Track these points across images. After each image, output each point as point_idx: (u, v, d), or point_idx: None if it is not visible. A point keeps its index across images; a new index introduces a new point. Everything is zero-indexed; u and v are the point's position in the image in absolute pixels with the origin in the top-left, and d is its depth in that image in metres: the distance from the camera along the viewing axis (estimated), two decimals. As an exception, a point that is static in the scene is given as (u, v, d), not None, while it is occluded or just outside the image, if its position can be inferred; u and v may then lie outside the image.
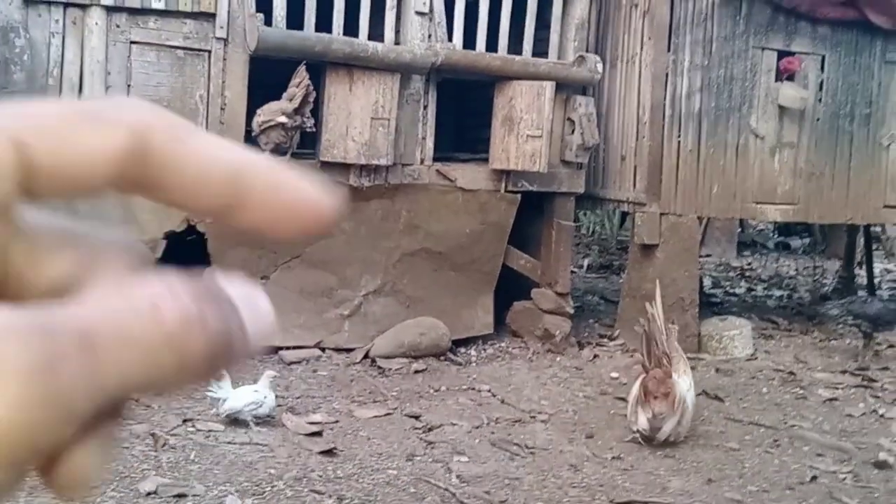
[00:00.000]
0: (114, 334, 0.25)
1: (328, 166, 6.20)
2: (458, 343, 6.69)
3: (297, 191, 0.29)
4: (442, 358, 6.43)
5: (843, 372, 6.69)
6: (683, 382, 4.93)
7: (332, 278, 6.43)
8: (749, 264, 11.79)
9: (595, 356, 6.79)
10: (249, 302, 0.28)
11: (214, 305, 0.27)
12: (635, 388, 5.01)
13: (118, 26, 5.67)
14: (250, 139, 6.02)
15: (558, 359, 6.67)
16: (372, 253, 6.49)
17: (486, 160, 6.77)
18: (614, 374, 6.34)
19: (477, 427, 5.10)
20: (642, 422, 4.85)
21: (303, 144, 6.31)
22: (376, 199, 6.44)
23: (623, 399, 5.75)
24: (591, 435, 5.09)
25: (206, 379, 0.27)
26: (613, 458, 4.76)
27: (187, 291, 0.26)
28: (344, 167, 6.22)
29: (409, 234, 6.59)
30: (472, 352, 6.73)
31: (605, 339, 7.22)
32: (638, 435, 4.95)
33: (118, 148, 0.27)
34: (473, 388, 5.83)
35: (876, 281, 9.79)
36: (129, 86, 5.73)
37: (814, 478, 4.62)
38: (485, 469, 4.49)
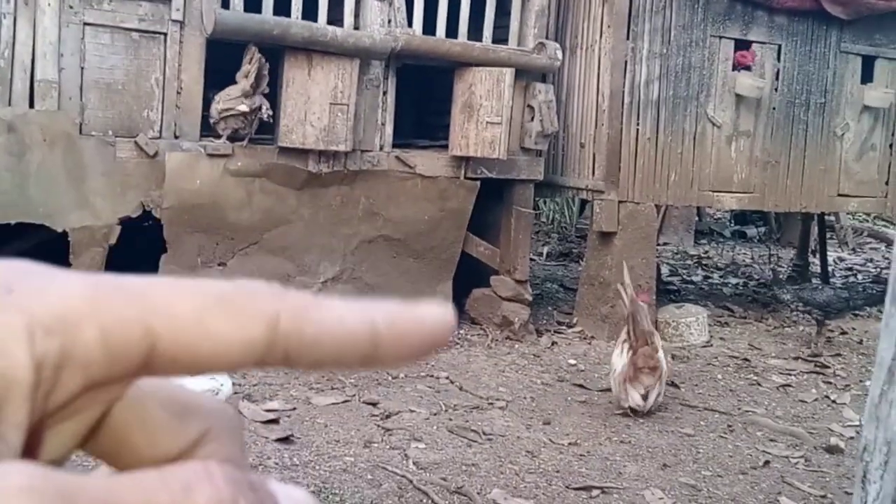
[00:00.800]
0: None
1: (286, 152, 6.15)
2: (416, 330, 6.66)
3: (419, 317, 0.30)
4: (400, 345, 6.41)
5: (797, 358, 6.79)
6: (663, 356, 5.26)
7: (290, 265, 6.38)
8: (706, 252, 11.91)
9: (553, 343, 6.82)
10: None
11: (253, 497, 0.26)
12: (621, 366, 5.19)
13: (71, 7, 5.56)
14: (207, 124, 5.96)
15: (517, 346, 6.69)
16: (330, 240, 6.46)
17: (445, 147, 6.75)
18: (572, 361, 6.38)
19: (435, 414, 5.10)
20: (636, 398, 5.14)
21: (261, 130, 6.26)
22: (335, 186, 6.40)
23: (581, 386, 5.80)
24: (548, 421, 5.12)
25: None
26: (570, 444, 4.79)
27: (227, 478, 0.26)
28: (302, 153, 6.17)
29: (367, 221, 6.56)
30: (431, 339, 6.72)
31: (564, 327, 7.26)
32: (628, 409, 5.20)
33: (250, 340, 0.27)
34: (432, 375, 5.83)
35: (829, 269, 9.94)
36: (82, 68, 5.63)
37: (766, 462, 4.69)
38: (442, 455, 4.49)
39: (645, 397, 5.16)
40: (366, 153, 6.46)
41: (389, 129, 6.54)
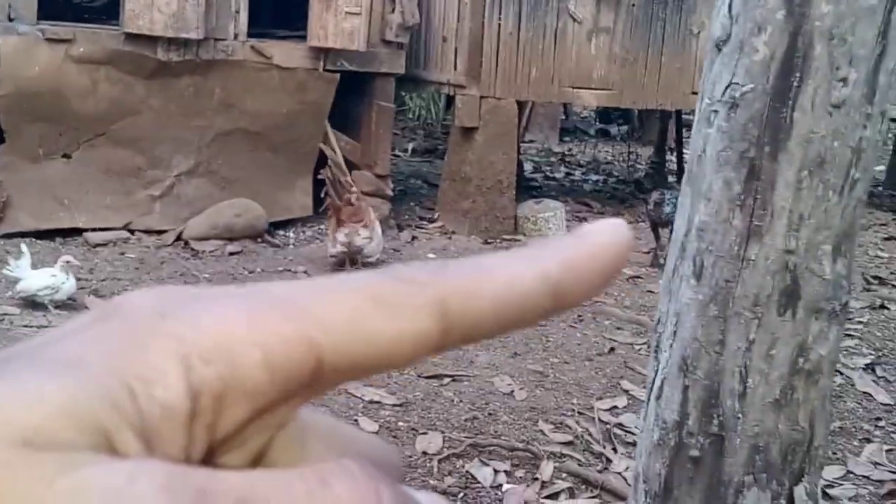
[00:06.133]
0: None
1: (133, 38, 5.87)
2: (276, 225, 6.59)
3: (596, 246, 0.27)
4: (258, 240, 6.33)
5: (647, 252, 7.03)
6: (371, 211, 5.94)
7: (141, 158, 6.16)
8: (570, 150, 12.09)
9: (414, 238, 6.85)
10: None
11: (392, 492, 0.24)
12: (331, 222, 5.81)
13: None
14: (44, 6, 5.60)
15: (377, 240, 6.68)
16: (183, 132, 6.24)
17: (304, 37, 6.56)
18: (431, 255, 6.43)
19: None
20: (342, 238, 5.70)
21: (108, 15, 5.92)
22: (187, 75, 6.16)
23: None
24: (403, 313, 5.16)
25: None
26: (424, 335, 4.85)
27: (364, 472, 0.24)
28: (150, 40, 5.89)
29: (223, 113, 6.36)
30: (291, 234, 6.66)
31: (425, 222, 7.29)
32: (341, 255, 5.80)
33: (419, 333, 0.25)
34: (289, 270, 5.79)
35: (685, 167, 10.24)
36: None
37: (612, 349, 4.87)
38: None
39: (352, 240, 5.66)
40: (219, 42, 6.21)
41: (244, 16, 6.30)
